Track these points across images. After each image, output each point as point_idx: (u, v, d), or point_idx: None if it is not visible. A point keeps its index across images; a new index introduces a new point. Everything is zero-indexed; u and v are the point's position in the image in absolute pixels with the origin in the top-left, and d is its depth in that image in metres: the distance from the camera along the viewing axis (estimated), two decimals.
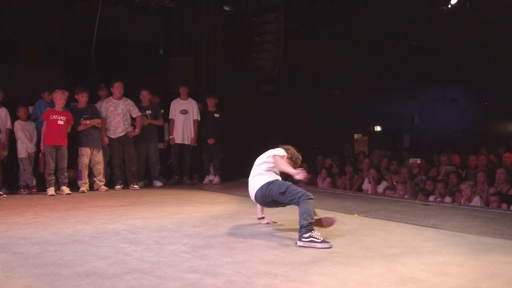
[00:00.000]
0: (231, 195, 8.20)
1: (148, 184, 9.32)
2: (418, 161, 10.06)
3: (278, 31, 9.58)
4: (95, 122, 8.42)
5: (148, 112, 9.12)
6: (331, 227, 5.32)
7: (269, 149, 5.75)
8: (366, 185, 9.19)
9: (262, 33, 9.67)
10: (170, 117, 9.39)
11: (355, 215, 6.25)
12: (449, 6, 12.83)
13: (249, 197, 7.56)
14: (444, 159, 9.73)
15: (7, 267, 4.05)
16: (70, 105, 8.53)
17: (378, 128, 14.72)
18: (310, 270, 3.90)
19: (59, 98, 8.08)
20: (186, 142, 9.36)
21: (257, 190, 5.35)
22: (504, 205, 7.32)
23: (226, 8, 10.21)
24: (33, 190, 8.39)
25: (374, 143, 14.33)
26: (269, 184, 5.22)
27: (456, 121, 16.16)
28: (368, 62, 13.10)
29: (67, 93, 8.20)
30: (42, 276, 3.80)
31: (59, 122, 8.06)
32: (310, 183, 9.91)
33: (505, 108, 17.10)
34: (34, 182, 8.42)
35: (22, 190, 8.36)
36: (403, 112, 15.19)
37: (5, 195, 7.97)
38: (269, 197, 5.24)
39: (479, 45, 14.54)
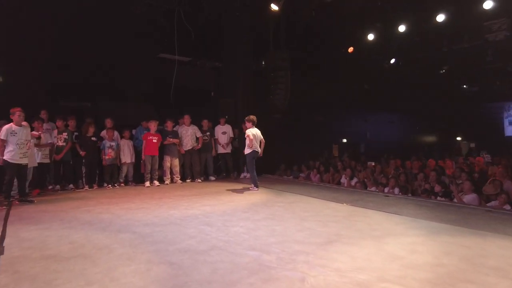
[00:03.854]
0: (260, 187, 7.73)
1: (205, 178, 9.04)
2: (373, 163, 9.83)
3: (286, 81, 9.41)
4: (175, 141, 8.23)
5: (208, 133, 8.93)
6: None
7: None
8: (343, 180, 8.94)
9: (276, 83, 9.48)
10: (215, 137, 9.19)
11: (344, 204, 5.96)
12: (390, 63, 12.66)
13: (272, 188, 7.44)
14: (392, 162, 9.46)
15: (132, 244, 3.90)
16: (158, 128, 8.36)
17: (344, 140, 14.53)
18: (328, 249, 3.71)
19: (153, 125, 7.96)
20: (227, 151, 9.16)
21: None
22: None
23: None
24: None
25: (343, 150, 14.13)
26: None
27: (393, 136, 15.89)
28: (340, 96, 12.87)
29: (157, 122, 8.08)
30: (157, 252, 3.64)
31: (153, 140, 7.91)
32: (306, 178, 9.73)
33: (422, 127, 16.94)
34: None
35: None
36: (360, 129, 14.97)
37: (110, 186, 7.78)
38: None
39: (407, 87, 14.36)
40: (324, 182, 9.06)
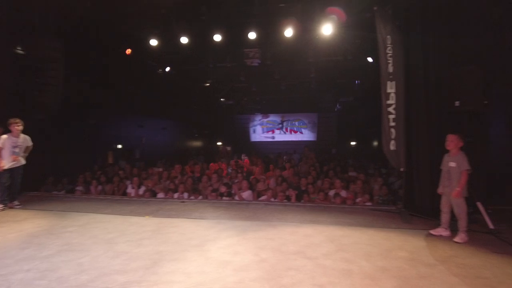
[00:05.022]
0: (29, 210, 5.88)
1: None
2: (161, 169, 9.66)
3: (58, 76, 7.75)
4: None
5: None
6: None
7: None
8: (130, 190, 8.21)
9: (45, 77, 7.61)
10: None
11: (147, 217, 5.49)
12: (166, 71, 12.95)
13: (49, 210, 5.92)
14: (177, 167, 9.55)
15: None
16: None
17: (119, 146, 13.52)
18: (158, 271, 3.33)
19: None
20: None
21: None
22: (219, 198, 7.70)
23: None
24: None
25: (118, 156, 13.09)
26: None
27: (166, 141, 16.30)
28: (116, 99, 11.91)
29: None
30: None
31: None
32: (86, 191, 8.31)
33: (190, 133, 18.38)
34: None
35: None
36: (135, 135, 14.39)
37: None
38: None
39: (178, 95, 15.20)
40: (107, 194, 8.04)
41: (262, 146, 18.88)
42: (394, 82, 5.48)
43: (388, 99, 5.51)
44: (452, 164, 4.36)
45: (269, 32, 9.39)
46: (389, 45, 5.49)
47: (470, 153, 4.83)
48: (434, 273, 3.20)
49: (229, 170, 10.11)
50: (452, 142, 4.42)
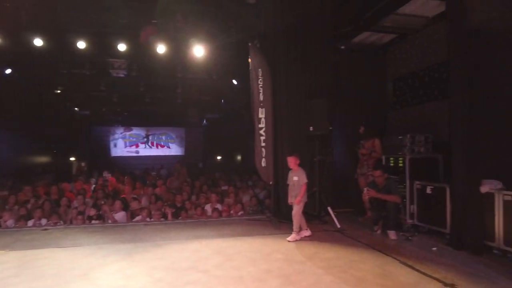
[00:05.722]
0: None
1: None
2: (6, 192, 8.08)
3: None
4: None
5: None
6: None
7: None
8: None
9: None
10: None
11: (2, 251, 4.66)
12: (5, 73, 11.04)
13: None
14: (28, 189, 8.16)
15: None
16: None
17: None
18: None
19: None
20: None
21: None
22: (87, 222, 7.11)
23: None
24: None
25: None
26: None
27: (2, 157, 13.54)
28: None
29: None
30: None
31: None
32: None
33: (35, 147, 15.79)
34: None
35: None
36: None
37: None
38: None
39: (19, 103, 13.14)
40: None
41: (125, 162, 17.80)
42: (264, 109, 6.41)
43: (259, 123, 6.39)
44: (295, 178, 5.39)
45: (138, 44, 9.25)
46: (260, 76, 6.40)
47: (321, 168, 6.12)
48: (306, 268, 4.01)
49: (92, 190, 9.33)
50: (292, 161, 5.44)
